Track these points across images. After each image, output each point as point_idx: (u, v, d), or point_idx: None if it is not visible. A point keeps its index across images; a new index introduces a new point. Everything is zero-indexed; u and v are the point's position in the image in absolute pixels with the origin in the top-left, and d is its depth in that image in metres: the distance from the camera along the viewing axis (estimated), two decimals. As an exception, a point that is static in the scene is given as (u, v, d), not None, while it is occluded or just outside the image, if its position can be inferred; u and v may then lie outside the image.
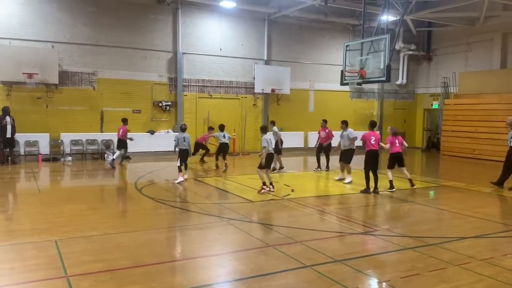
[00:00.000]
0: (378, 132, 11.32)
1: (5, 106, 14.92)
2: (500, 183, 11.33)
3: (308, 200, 9.68)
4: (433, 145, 23.45)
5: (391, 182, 10.79)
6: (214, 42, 19.06)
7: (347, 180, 11.94)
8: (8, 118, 14.77)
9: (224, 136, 14.40)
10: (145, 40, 17.71)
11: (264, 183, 10.27)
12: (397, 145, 10.97)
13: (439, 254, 5.99)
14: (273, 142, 10.78)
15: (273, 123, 14.68)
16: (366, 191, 10.49)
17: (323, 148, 14.17)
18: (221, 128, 14.50)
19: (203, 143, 16.24)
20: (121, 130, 14.66)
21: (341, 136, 12.65)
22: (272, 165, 13.28)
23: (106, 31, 16.96)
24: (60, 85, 16.22)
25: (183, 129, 12.04)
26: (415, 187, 11.08)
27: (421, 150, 23.61)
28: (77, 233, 6.75)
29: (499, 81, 19.30)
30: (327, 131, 14.24)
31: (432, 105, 23.87)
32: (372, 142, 10.54)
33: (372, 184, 10.52)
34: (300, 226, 7.46)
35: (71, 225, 7.27)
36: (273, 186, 10.38)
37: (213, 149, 15.93)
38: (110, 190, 11.57)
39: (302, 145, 20.97)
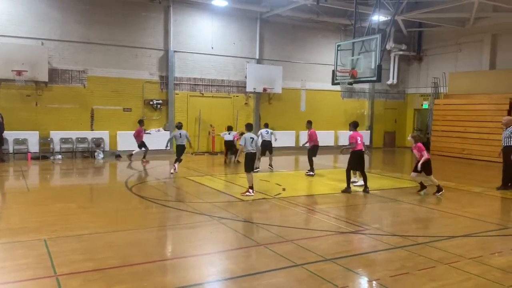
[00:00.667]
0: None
1: None
2: (505, 185, 11.27)
3: (299, 199, 9.70)
4: (423, 145, 23.55)
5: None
6: (206, 40, 19.01)
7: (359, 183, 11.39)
8: None
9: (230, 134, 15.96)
10: (136, 38, 17.61)
11: (250, 187, 9.87)
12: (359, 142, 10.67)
13: (428, 253, 6.04)
14: (254, 142, 10.05)
15: (265, 125, 14.81)
16: (347, 190, 10.50)
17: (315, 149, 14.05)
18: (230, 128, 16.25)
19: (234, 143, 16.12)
20: (136, 131, 15.60)
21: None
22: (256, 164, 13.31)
23: (97, 29, 16.83)
24: (50, 82, 16.08)
25: (179, 127, 13.18)
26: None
27: (411, 150, 23.73)
28: (66, 232, 6.70)
29: (488, 82, 19.50)
30: (311, 131, 13.97)
31: (422, 105, 24.06)
32: (359, 142, 10.59)
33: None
34: (291, 225, 7.48)
35: (60, 224, 7.22)
36: (252, 190, 9.87)
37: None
38: (100, 189, 11.49)
39: (293, 144, 21.01)
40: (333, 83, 15.57)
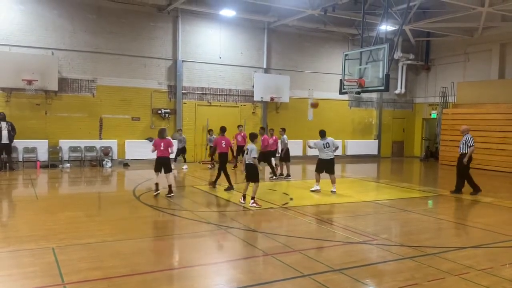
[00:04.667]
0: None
1: (0, 112, 14.89)
2: (458, 190, 11.83)
3: (306, 209, 9.66)
4: (431, 155, 23.47)
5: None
6: (214, 50, 19.14)
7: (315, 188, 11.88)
8: (3, 124, 14.73)
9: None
10: (145, 47, 17.78)
11: (251, 198, 9.60)
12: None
13: (438, 264, 5.97)
14: (254, 152, 9.68)
15: (283, 130, 14.86)
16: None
17: (269, 155, 14.30)
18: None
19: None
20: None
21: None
22: (279, 172, 14.26)
23: (106, 39, 17.02)
24: (59, 91, 16.25)
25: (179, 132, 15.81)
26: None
27: (420, 159, 23.63)
28: (74, 240, 6.72)
29: (497, 91, 19.39)
30: (274, 138, 14.56)
31: (430, 114, 23.94)
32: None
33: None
34: (298, 234, 7.44)
35: (69, 232, 7.24)
36: (244, 198, 9.83)
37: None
38: (108, 197, 11.53)
39: (301, 153, 20.97)
40: (341, 92, 15.54)
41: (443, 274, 5.58)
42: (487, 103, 19.43)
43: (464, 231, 8.00)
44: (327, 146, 11.56)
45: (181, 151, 16.32)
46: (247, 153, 9.82)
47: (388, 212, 9.68)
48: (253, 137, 10.12)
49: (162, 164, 10.67)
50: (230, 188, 11.58)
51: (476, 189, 11.69)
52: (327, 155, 11.68)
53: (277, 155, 14.64)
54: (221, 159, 11.99)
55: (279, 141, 14.54)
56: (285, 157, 14.34)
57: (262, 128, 15.07)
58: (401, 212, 9.61)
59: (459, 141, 11.95)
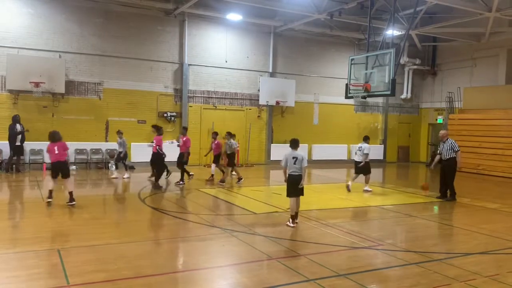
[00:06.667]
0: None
1: (15, 114, 15.12)
2: (443, 195, 11.80)
3: (311, 213, 9.63)
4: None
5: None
6: (220, 54, 19.19)
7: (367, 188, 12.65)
8: (18, 126, 14.98)
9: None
10: (151, 51, 17.86)
11: (292, 216, 8.42)
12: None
13: (444, 270, 5.93)
14: (299, 162, 8.30)
15: (229, 134, 14.38)
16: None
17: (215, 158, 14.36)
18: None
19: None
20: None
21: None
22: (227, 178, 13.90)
23: (113, 42, 17.12)
24: (66, 94, 16.35)
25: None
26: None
27: (426, 164, 23.51)
28: (79, 242, 6.75)
29: (504, 97, 19.28)
30: (216, 142, 14.38)
31: (436, 119, 23.83)
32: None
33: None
34: (303, 239, 7.42)
35: (74, 234, 7.27)
36: (293, 221, 8.38)
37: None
38: (113, 200, 11.56)
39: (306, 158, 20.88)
40: (347, 97, 15.53)
41: (449, 280, 5.53)
42: (494, 108, 19.32)
43: (470, 237, 7.95)
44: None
45: (122, 157, 14.51)
46: (295, 163, 8.22)
47: (394, 217, 9.63)
48: (295, 144, 8.42)
49: (59, 169, 9.73)
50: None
51: (453, 195, 11.70)
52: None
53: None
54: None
55: (228, 145, 13.87)
56: (230, 162, 13.89)
57: (214, 132, 14.76)
58: (407, 218, 9.56)
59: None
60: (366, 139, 13.09)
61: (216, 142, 14.40)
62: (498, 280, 5.58)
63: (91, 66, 16.85)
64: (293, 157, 8.23)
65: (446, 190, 11.80)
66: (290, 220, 8.27)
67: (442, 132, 12.21)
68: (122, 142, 14.46)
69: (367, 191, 12.61)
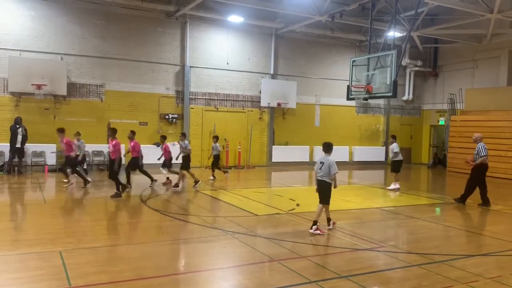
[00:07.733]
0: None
1: (17, 116, 15.17)
2: (485, 202, 11.11)
3: (313, 215, 9.59)
4: (439, 162, 23.34)
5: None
6: (222, 56, 19.22)
7: (392, 187, 13.64)
8: (20, 128, 15.00)
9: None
10: (153, 53, 17.89)
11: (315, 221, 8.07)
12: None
13: (446, 271, 5.92)
14: (325, 167, 7.93)
15: (183, 135, 14.04)
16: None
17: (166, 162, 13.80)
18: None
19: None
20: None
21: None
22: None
23: (114, 44, 17.16)
24: (68, 96, 16.38)
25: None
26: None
27: (428, 166, 23.50)
28: (81, 244, 6.75)
29: (505, 98, 19.26)
30: (164, 145, 13.82)
31: (438, 121, 23.83)
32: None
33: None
34: (305, 241, 7.41)
35: (76, 236, 7.27)
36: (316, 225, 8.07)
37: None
38: (115, 202, 11.55)
39: (307, 159, 20.93)
40: (348, 98, 15.53)
41: (451, 282, 5.52)
42: (496, 110, 19.30)
43: (472, 238, 7.93)
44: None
45: (80, 160, 13.64)
46: (321, 168, 7.96)
47: (396, 219, 9.62)
48: (327, 148, 8.16)
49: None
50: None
51: (485, 202, 11.11)
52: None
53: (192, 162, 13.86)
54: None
55: (181, 147, 13.51)
56: (184, 165, 13.29)
57: (162, 136, 14.07)
58: (409, 219, 9.54)
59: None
60: (394, 137, 13.89)
61: (164, 145, 13.77)
62: (500, 282, 5.56)
63: (93, 68, 16.88)
64: (321, 162, 8.03)
65: (485, 194, 11.12)
66: (313, 227, 7.89)
67: (475, 135, 11.64)
68: (80, 144, 13.47)
69: (393, 189, 13.47)
